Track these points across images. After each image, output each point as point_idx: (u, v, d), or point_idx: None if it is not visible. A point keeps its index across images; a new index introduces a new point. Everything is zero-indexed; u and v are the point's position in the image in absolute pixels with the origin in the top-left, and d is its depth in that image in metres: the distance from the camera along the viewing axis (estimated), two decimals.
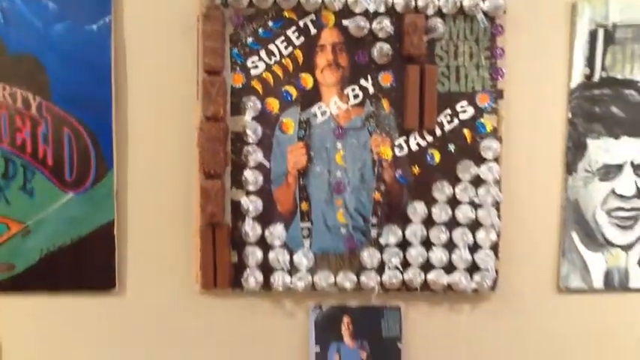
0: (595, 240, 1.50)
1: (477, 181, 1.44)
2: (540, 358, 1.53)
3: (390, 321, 1.48)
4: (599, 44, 1.46)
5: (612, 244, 1.51)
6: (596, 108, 1.47)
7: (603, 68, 1.47)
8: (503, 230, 1.46)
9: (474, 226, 1.45)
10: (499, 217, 1.44)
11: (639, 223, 1.51)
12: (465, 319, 1.50)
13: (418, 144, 1.44)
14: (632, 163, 1.49)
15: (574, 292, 1.51)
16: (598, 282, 1.51)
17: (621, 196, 1.49)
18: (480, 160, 1.43)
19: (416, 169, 1.44)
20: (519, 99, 1.45)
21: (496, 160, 1.43)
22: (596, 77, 1.47)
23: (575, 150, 1.48)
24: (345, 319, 1.47)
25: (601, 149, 1.48)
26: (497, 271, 1.45)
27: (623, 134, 1.48)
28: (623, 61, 1.47)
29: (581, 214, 1.49)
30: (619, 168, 1.48)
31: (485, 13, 1.42)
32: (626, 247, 1.51)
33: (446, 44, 1.43)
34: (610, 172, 1.48)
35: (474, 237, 1.45)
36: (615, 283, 1.51)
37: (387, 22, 1.40)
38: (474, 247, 1.46)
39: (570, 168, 1.48)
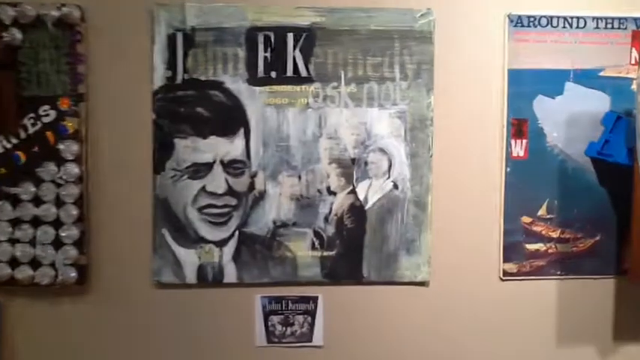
0: (187, 236, 1.78)
1: (60, 181, 1.73)
2: (136, 347, 1.85)
3: None
4: (179, 47, 1.75)
5: (205, 240, 1.78)
6: (182, 109, 1.75)
7: (185, 70, 1.75)
8: (96, 227, 1.74)
9: (58, 223, 1.73)
10: (82, 214, 1.73)
11: (233, 220, 1.78)
12: (67, 310, 1.82)
13: (4, 146, 1.74)
14: (221, 162, 1.77)
15: (168, 287, 1.78)
16: (191, 277, 1.79)
17: (212, 194, 1.77)
18: (61, 161, 1.73)
19: (3, 170, 1.74)
20: (104, 102, 1.74)
21: (77, 160, 1.73)
22: (179, 79, 1.75)
23: (163, 150, 1.76)
24: None
25: (189, 148, 1.76)
26: (85, 266, 1.74)
27: (210, 134, 1.76)
28: (205, 63, 1.75)
29: (171, 212, 1.77)
30: (209, 166, 1.77)
31: (63, 21, 1.71)
32: (220, 243, 1.79)
33: (27, 51, 1.73)
34: (200, 170, 1.77)
35: (58, 234, 1.73)
36: (209, 278, 1.79)
37: None
38: (60, 244, 1.73)
39: (158, 167, 1.76)
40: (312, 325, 1.76)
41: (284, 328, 1.77)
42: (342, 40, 1.71)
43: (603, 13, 1.73)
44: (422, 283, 1.77)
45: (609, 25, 1.75)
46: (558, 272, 1.78)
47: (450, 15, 1.74)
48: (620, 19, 1.74)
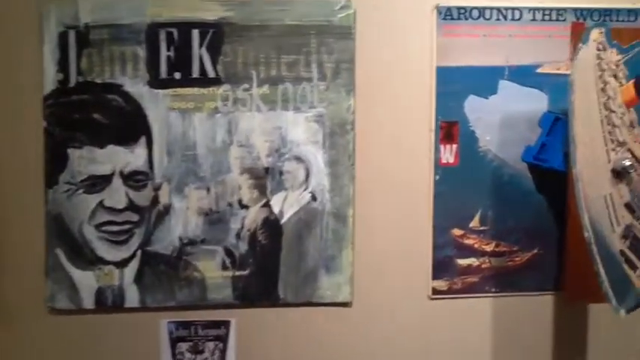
0: (84, 257, 1.63)
1: None
2: None
3: None
4: (72, 47, 1.59)
5: (104, 261, 1.62)
6: (76, 115, 1.60)
7: (80, 72, 1.60)
8: None
9: None
10: None
11: (134, 238, 1.62)
12: None
13: None
14: (121, 174, 1.59)
15: (63, 313, 1.62)
16: (88, 302, 1.62)
17: (111, 209, 1.60)
18: None
19: None
20: None
21: None
22: (72, 82, 1.60)
23: (55, 161, 1.60)
24: None
25: (85, 159, 1.60)
26: None
27: (108, 142, 1.60)
28: (101, 64, 1.61)
29: (66, 230, 1.61)
30: (107, 179, 1.60)
31: None
32: (120, 264, 1.62)
33: None
34: (97, 183, 1.61)
35: None
36: (109, 302, 1.62)
37: None
38: None
39: (50, 181, 1.60)
40: (223, 352, 1.73)
41: (193, 356, 1.74)
42: (254, 36, 1.61)
43: (540, 4, 1.63)
44: (344, 304, 1.61)
45: (547, 17, 1.64)
46: (493, 289, 1.65)
47: (373, 7, 1.67)
48: (558, 9, 1.64)
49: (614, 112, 1.54)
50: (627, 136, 1.54)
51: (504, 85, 1.73)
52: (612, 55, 1.53)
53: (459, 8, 1.72)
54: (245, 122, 1.69)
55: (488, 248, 1.76)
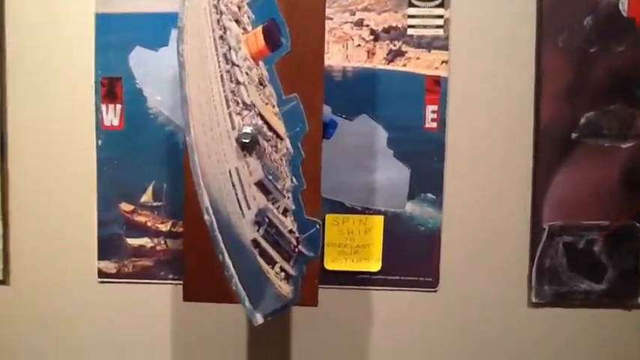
0: None
1: None
2: None
3: None
4: None
5: None
6: None
7: None
8: None
9: None
10: None
11: None
12: None
13: None
14: None
15: None
16: None
17: None
18: None
19: None
20: None
21: None
22: None
23: None
24: None
25: None
26: None
27: None
28: None
29: None
30: None
31: None
32: None
33: None
34: None
35: None
36: None
37: None
38: None
39: None
40: None
41: None
42: None
43: None
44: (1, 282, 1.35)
45: None
46: (170, 275, 1.30)
47: None
48: None
49: (237, 65, 1.18)
50: (256, 97, 1.17)
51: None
52: None
53: None
54: None
55: (164, 228, 1.43)
